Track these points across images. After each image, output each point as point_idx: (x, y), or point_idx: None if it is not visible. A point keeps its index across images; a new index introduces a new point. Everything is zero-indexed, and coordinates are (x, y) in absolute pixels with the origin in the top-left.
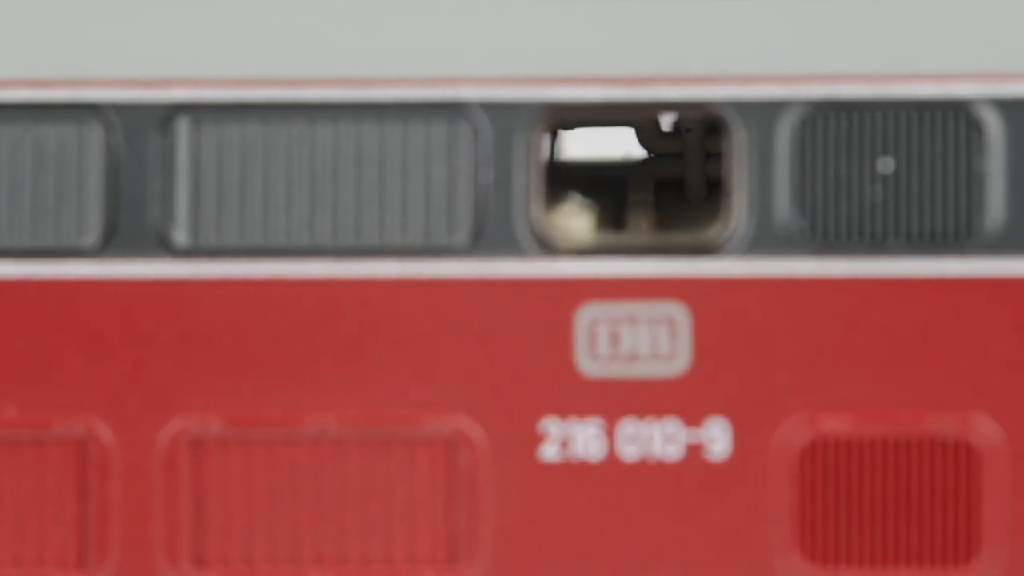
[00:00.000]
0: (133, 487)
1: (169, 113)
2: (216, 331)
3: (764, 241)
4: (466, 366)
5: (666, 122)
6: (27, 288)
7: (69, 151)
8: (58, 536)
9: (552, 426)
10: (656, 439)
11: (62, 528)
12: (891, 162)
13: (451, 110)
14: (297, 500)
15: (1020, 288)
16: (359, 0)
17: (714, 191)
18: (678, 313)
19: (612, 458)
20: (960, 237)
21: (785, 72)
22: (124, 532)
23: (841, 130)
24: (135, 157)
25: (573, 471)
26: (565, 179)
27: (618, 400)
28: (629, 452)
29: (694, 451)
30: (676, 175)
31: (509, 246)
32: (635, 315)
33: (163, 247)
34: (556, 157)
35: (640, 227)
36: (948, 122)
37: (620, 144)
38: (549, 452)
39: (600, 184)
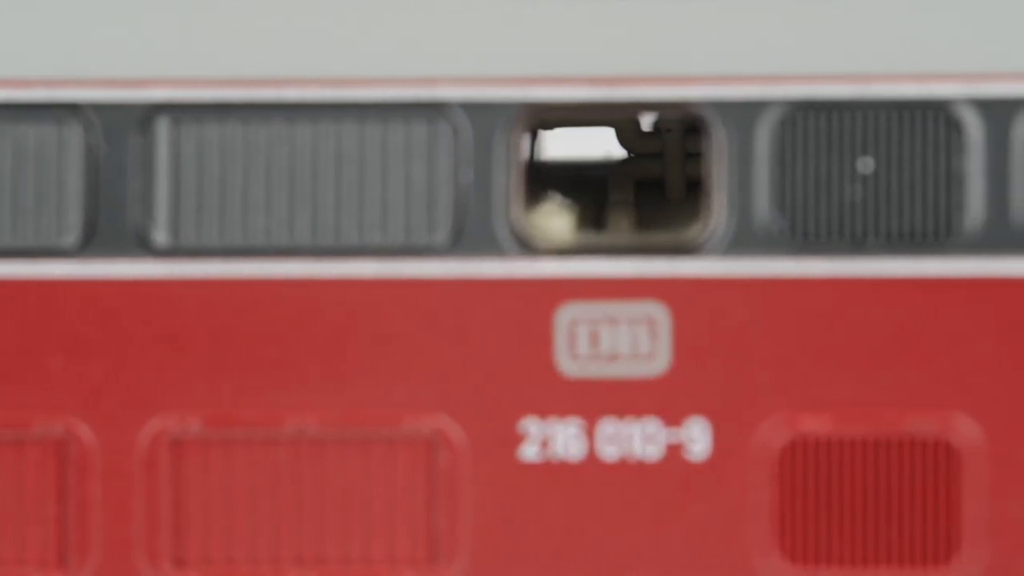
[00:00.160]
0: (113, 487)
1: (149, 113)
2: (196, 331)
3: (744, 241)
4: (446, 366)
5: (646, 122)
6: (7, 288)
7: (49, 151)
8: (38, 536)
9: (532, 426)
10: (636, 439)
11: (42, 528)
12: (871, 162)
13: (431, 110)
14: (277, 500)
15: (999, 288)
16: (339, 1)
17: (694, 191)
18: (658, 313)
19: (592, 458)
20: (940, 237)
21: (765, 72)
22: (104, 532)
23: (821, 130)
24: (115, 157)
25: (553, 471)
26: (545, 179)
27: (598, 400)
28: (609, 452)
29: (674, 451)
30: (656, 175)
31: (489, 246)
32: (615, 315)
33: (143, 247)
34: (536, 157)
35: (620, 227)
36: (928, 122)
37: (600, 144)
38: (529, 452)
39: (580, 184)
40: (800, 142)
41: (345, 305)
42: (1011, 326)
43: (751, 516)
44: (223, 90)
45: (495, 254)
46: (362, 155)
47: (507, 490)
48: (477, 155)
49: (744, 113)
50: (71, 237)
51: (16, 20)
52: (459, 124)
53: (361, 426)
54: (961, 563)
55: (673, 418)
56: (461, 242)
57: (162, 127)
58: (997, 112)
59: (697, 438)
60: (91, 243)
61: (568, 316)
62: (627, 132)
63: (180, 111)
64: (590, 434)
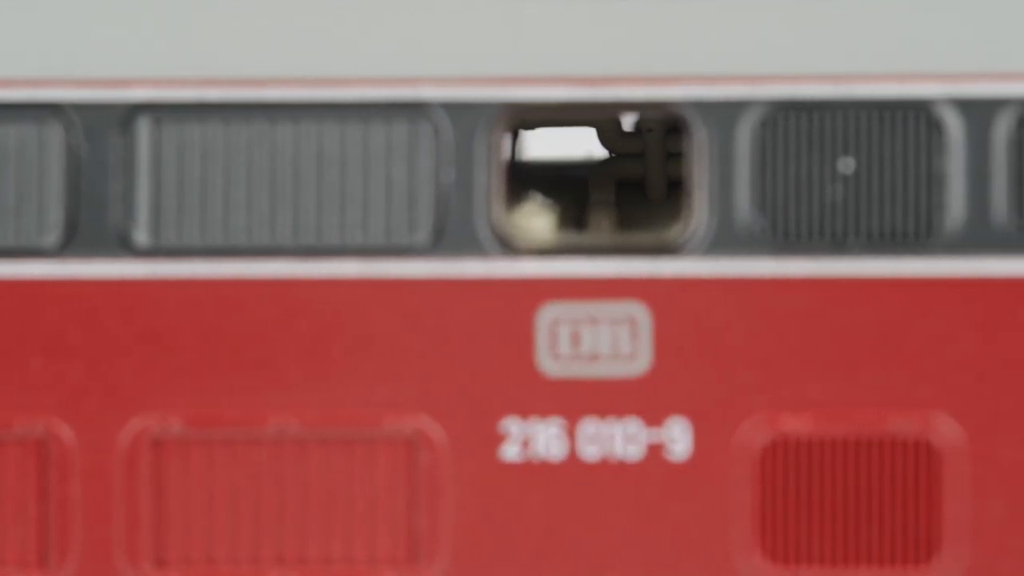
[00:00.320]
0: (94, 487)
1: (130, 113)
2: (177, 331)
3: (725, 241)
4: (427, 366)
5: (627, 122)
6: None
7: (30, 151)
8: (18, 536)
9: (513, 426)
10: (617, 439)
11: (22, 528)
12: (852, 162)
13: (412, 110)
14: (258, 500)
15: (980, 288)
16: (320, 1)
17: (675, 191)
18: (639, 313)
19: (573, 458)
20: (920, 237)
21: (746, 72)
22: (85, 532)
23: (802, 130)
24: (96, 157)
25: (534, 471)
26: (526, 179)
27: (579, 400)
28: (590, 452)
29: (655, 451)
30: (637, 175)
31: (470, 246)
32: (596, 315)
33: (124, 247)
34: (517, 157)
35: (601, 227)
36: (909, 122)
37: (581, 144)
38: (510, 452)
39: (561, 184)
40: (781, 142)
41: (326, 305)
42: (992, 326)
43: (732, 516)
44: (204, 90)
45: (476, 254)
46: (343, 155)
47: (488, 490)
48: (458, 155)
49: (725, 113)
50: (52, 237)
51: None
52: (440, 124)
53: (342, 426)
54: (942, 563)
55: (654, 418)
56: (442, 242)
57: (143, 127)
58: (978, 112)
59: (678, 438)
60: (72, 243)
61: (549, 316)
62: (608, 132)
63: (161, 111)
64: (571, 434)
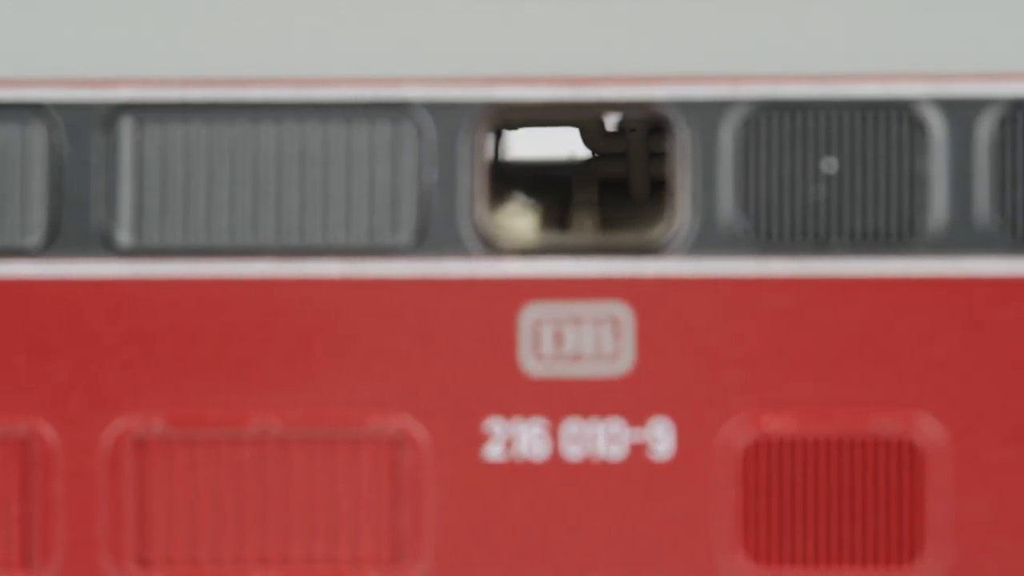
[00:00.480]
0: (77, 487)
1: (113, 113)
2: (160, 331)
3: (708, 241)
4: (410, 366)
5: (610, 122)
6: None
7: (12, 151)
8: (1, 536)
9: (496, 426)
10: (600, 439)
11: (6, 528)
12: (834, 162)
13: (395, 110)
14: (241, 500)
15: (963, 288)
16: (303, 1)
17: (658, 191)
18: (622, 313)
19: (556, 458)
20: (903, 237)
21: (729, 72)
22: (68, 532)
23: (784, 130)
24: (79, 157)
25: (517, 471)
26: (509, 179)
27: (562, 400)
28: (573, 452)
29: (638, 451)
30: (620, 175)
31: (453, 246)
32: (579, 315)
33: (107, 247)
34: (500, 157)
35: (584, 227)
36: (891, 122)
37: (564, 144)
38: (493, 452)
39: (544, 184)
40: (764, 142)
41: (309, 305)
42: (974, 326)
43: (715, 516)
44: (187, 90)
45: (459, 254)
46: (326, 155)
47: (471, 490)
48: (441, 155)
49: (708, 113)
50: (35, 237)
51: None
52: (423, 124)
53: (325, 426)
54: (924, 563)
55: (637, 418)
56: (425, 242)
57: (126, 127)
58: (961, 112)
59: (661, 438)
60: (55, 243)
61: (532, 316)
62: (591, 132)
63: (144, 111)
64: (554, 434)
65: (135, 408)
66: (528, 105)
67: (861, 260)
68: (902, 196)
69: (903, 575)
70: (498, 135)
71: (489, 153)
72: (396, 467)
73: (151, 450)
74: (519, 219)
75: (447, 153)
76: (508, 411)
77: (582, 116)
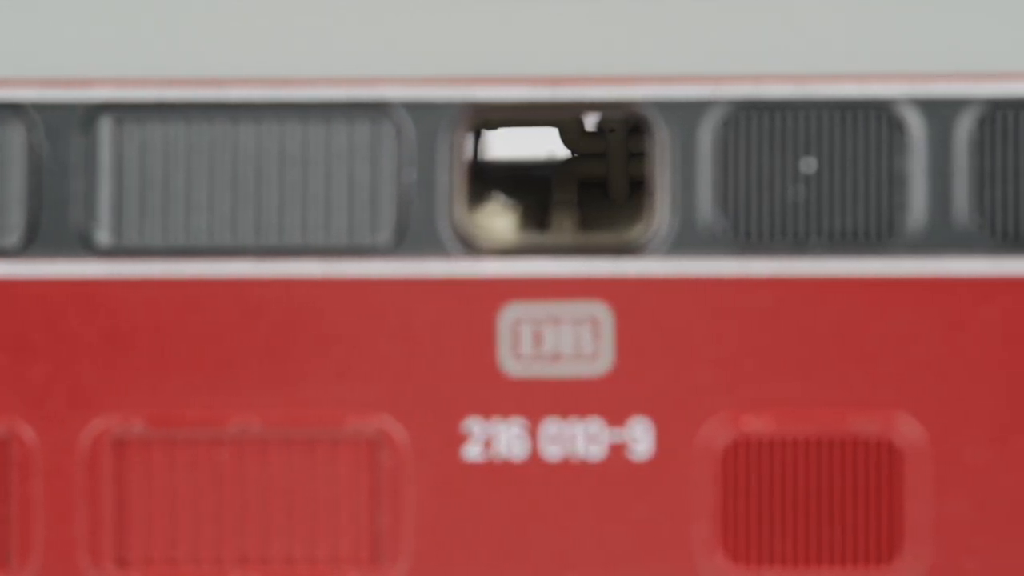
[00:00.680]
0: (55, 487)
1: (91, 113)
2: (139, 331)
3: (687, 241)
4: (389, 366)
5: (589, 122)
6: None
7: None
8: None
9: (475, 426)
10: (579, 439)
11: None
12: (813, 162)
13: (374, 110)
14: (220, 500)
15: (942, 288)
16: (281, 1)
17: (637, 191)
18: (601, 313)
19: (535, 458)
20: (882, 237)
21: (708, 72)
22: (46, 532)
23: (763, 130)
24: (57, 157)
25: (496, 471)
26: (489, 179)
27: (541, 400)
28: (552, 452)
29: (617, 451)
30: (599, 175)
31: (432, 246)
32: (558, 315)
33: (85, 247)
34: (480, 157)
35: (563, 227)
36: (870, 122)
37: (544, 144)
38: (472, 452)
39: (524, 184)
40: (743, 142)
41: (288, 305)
42: (953, 326)
43: (694, 516)
44: (166, 90)
45: (438, 254)
46: (305, 155)
47: (450, 490)
48: (420, 155)
49: (687, 113)
50: (13, 237)
51: None
52: (402, 124)
53: (304, 426)
54: (904, 563)
55: (616, 418)
56: (404, 242)
57: (105, 127)
58: (940, 112)
59: (640, 438)
60: (33, 243)
61: (511, 316)
62: (570, 132)
63: (123, 111)
64: (533, 434)
65: (114, 408)
66: (507, 105)
67: (840, 260)
68: (881, 196)
69: (882, 575)
70: (477, 135)
71: (468, 153)
72: (375, 467)
73: (130, 450)
74: (498, 219)
75: (426, 153)
76: (487, 411)
77: (561, 116)
